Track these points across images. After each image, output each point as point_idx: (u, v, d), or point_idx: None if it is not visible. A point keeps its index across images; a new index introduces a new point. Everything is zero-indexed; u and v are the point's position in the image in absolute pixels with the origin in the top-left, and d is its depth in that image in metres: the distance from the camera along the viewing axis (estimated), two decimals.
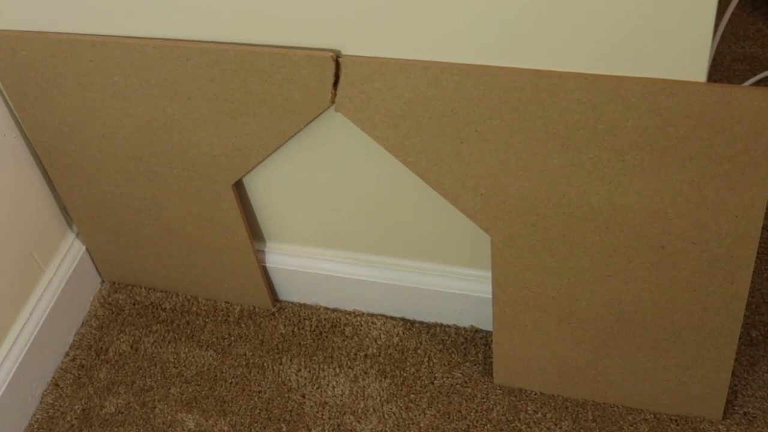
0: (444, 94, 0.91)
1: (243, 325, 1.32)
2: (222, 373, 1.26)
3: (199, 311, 1.35)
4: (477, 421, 1.17)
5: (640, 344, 1.08)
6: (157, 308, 1.36)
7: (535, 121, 0.89)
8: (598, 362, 1.12)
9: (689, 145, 0.86)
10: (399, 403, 1.20)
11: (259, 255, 1.28)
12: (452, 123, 0.93)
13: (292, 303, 1.34)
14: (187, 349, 1.30)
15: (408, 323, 1.29)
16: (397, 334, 1.28)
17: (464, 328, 1.27)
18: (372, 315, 1.30)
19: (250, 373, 1.26)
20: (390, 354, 1.25)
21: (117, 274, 1.39)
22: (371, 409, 1.20)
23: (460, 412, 1.18)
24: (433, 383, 1.21)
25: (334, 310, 1.32)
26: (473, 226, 1.08)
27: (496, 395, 1.19)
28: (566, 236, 0.99)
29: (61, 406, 1.26)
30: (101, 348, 1.32)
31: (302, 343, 1.28)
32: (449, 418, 1.18)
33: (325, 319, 1.31)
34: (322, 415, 1.20)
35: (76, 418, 1.24)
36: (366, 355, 1.26)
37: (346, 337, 1.28)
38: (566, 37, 0.84)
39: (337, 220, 1.19)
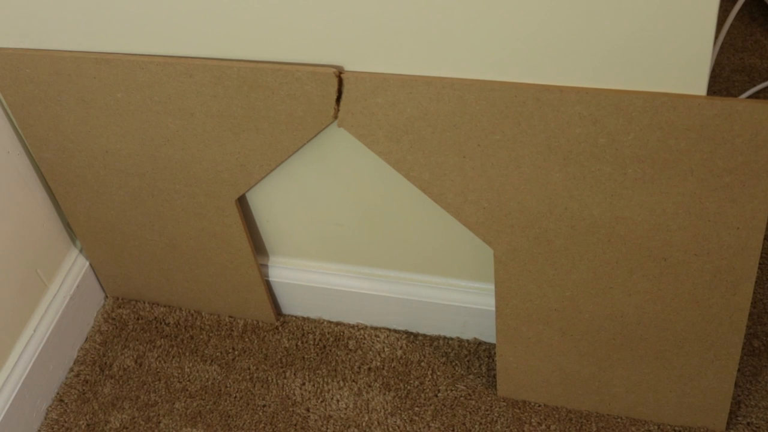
0: (446, 109, 0.91)
1: (247, 339, 1.32)
2: (226, 387, 1.27)
3: (202, 326, 1.35)
4: None
5: (643, 356, 1.08)
6: (160, 323, 1.36)
7: (537, 135, 0.90)
8: (602, 374, 1.12)
9: (690, 158, 0.86)
10: (403, 416, 1.20)
11: (262, 269, 1.28)
12: (454, 138, 0.94)
13: (296, 317, 1.34)
14: (191, 364, 1.30)
15: (411, 336, 1.29)
16: (401, 347, 1.28)
17: (467, 340, 1.27)
18: (375, 328, 1.31)
19: (255, 387, 1.26)
20: (394, 367, 1.26)
21: (120, 289, 1.39)
22: (375, 423, 1.20)
23: (464, 424, 1.18)
24: (437, 396, 1.22)
25: (338, 324, 1.32)
26: (476, 239, 1.08)
27: (500, 407, 1.20)
28: (569, 249, 0.99)
29: (65, 422, 1.26)
30: (105, 363, 1.32)
31: (306, 356, 1.29)
32: (453, 430, 1.18)
33: (328, 333, 1.31)
34: (327, 428, 1.20)
35: None
36: (370, 369, 1.26)
37: (350, 350, 1.29)
38: (567, 52, 0.84)
39: (340, 234, 1.20)
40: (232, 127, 1.04)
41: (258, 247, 1.27)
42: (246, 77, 0.98)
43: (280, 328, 1.33)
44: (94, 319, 1.38)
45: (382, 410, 1.21)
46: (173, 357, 1.31)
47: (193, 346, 1.32)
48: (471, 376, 1.23)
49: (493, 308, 1.17)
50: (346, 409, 1.22)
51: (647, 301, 1.01)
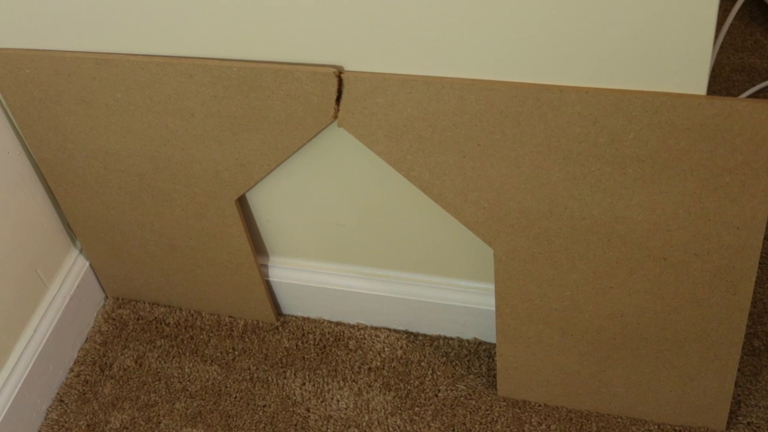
0: (446, 109, 0.92)
1: (247, 340, 1.32)
2: (226, 387, 1.27)
3: (203, 326, 1.35)
4: None
5: (643, 355, 1.08)
6: (160, 323, 1.36)
7: (537, 135, 0.90)
8: (602, 374, 1.12)
9: (690, 158, 0.86)
10: (403, 416, 1.20)
11: (262, 269, 1.28)
12: (454, 137, 0.94)
13: (296, 317, 1.34)
14: (191, 364, 1.30)
15: (411, 336, 1.29)
16: (401, 347, 1.28)
17: (467, 340, 1.27)
18: (375, 328, 1.31)
19: (255, 387, 1.26)
20: (394, 367, 1.26)
21: (121, 289, 1.39)
22: (376, 423, 1.20)
23: (464, 424, 1.18)
24: (437, 396, 1.22)
25: (338, 324, 1.32)
26: (476, 239, 1.08)
27: (500, 407, 1.20)
28: (569, 249, 0.99)
29: (66, 422, 1.26)
30: (105, 364, 1.32)
31: (306, 356, 1.29)
32: (454, 430, 1.18)
33: (328, 333, 1.31)
34: (327, 428, 1.20)
35: None
36: (370, 369, 1.26)
37: (350, 350, 1.29)
38: (567, 52, 0.84)
39: (340, 234, 1.20)
40: (231, 127, 1.05)
41: (258, 247, 1.27)
42: (246, 77, 0.98)
43: (280, 328, 1.33)
44: (94, 320, 1.38)
45: (382, 410, 1.21)
46: (173, 357, 1.31)
47: (193, 346, 1.32)
48: (471, 376, 1.23)
49: (493, 308, 1.17)
50: (346, 409, 1.22)
51: (647, 301, 1.01)
